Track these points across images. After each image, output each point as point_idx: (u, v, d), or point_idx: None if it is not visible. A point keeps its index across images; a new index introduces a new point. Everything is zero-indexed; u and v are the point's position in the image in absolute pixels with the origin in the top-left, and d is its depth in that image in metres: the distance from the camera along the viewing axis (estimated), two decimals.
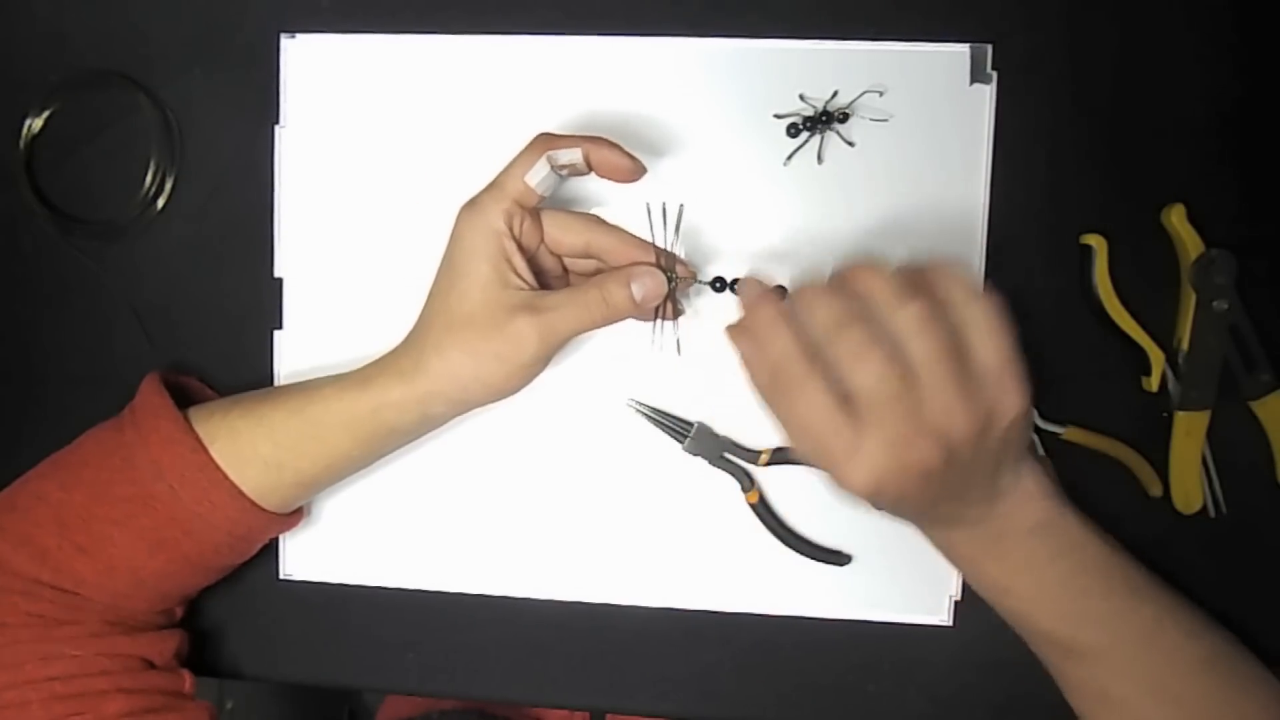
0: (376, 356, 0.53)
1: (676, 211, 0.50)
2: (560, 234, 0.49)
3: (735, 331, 0.45)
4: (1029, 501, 0.46)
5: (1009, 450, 0.44)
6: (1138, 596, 0.48)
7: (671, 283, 0.49)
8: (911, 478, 0.41)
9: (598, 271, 0.51)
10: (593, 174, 0.48)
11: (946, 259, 0.43)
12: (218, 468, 0.47)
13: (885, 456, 0.40)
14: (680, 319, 0.52)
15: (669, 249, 0.50)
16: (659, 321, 0.50)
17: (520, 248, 0.48)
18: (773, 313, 0.43)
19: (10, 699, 0.45)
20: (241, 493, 0.48)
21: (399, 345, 0.49)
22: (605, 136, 0.48)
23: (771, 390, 0.43)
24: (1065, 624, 0.47)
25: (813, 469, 0.53)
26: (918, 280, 0.42)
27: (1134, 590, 0.48)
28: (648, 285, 0.48)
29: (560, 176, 0.48)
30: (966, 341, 0.41)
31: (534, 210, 0.49)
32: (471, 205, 0.48)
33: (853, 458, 0.41)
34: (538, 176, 0.47)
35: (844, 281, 0.42)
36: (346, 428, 0.48)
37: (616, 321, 0.48)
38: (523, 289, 0.47)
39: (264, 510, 0.49)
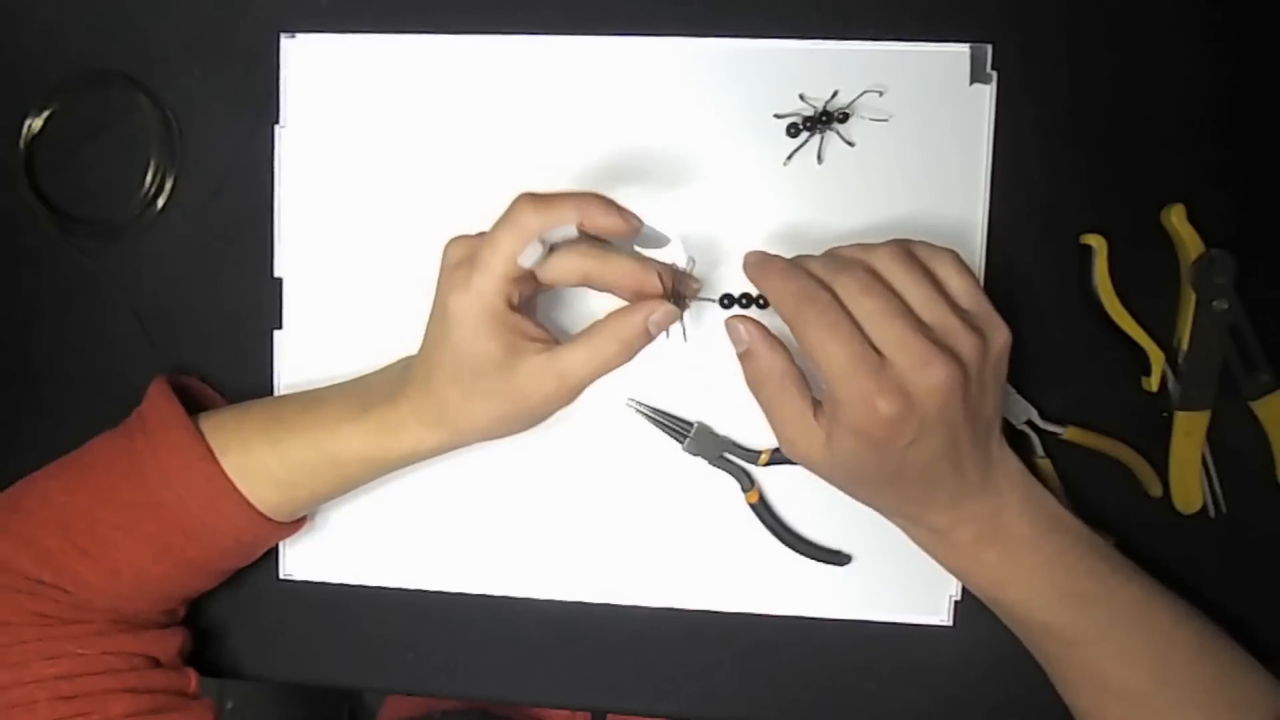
0: (377, 358, 0.53)
1: (688, 262, 0.49)
2: (556, 276, 0.47)
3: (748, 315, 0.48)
4: (1014, 479, 0.48)
5: (999, 392, 0.47)
6: (1122, 574, 0.48)
7: (683, 305, 0.48)
8: (935, 398, 0.43)
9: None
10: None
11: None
12: (227, 478, 0.48)
13: (910, 376, 0.43)
14: (685, 310, 0.51)
15: (672, 264, 0.48)
16: None
17: (521, 310, 0.47)
18: (784, 261, 0.47)
19: (16, 698, 0.45)
20: (249, 504, 0.48)
21: (415, 388, 0.48)
22: (594, 193, 0.46)
23: (798, 327, 0.45)
24: (1062, 610, 0.48)
25: (793, 458, 0.53)
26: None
27: (1117, 568, 0.49)
28: (660, 321, 0.47)
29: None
30: (943, 283, 0.45)
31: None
32: (464, 290, 0.45)
33: (880, 384, 0.43)
34: (531, 258, 0.45)
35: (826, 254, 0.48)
36: (367, 464, 0.49)
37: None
38: (537, 351, 0.46)
39: (271, 520, 0.50)
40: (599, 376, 0.47)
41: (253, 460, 0.48)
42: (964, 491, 0.47)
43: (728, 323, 0.49)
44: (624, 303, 0.48)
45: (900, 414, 0.43)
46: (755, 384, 0.48)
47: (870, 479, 0.48)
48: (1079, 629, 0.48)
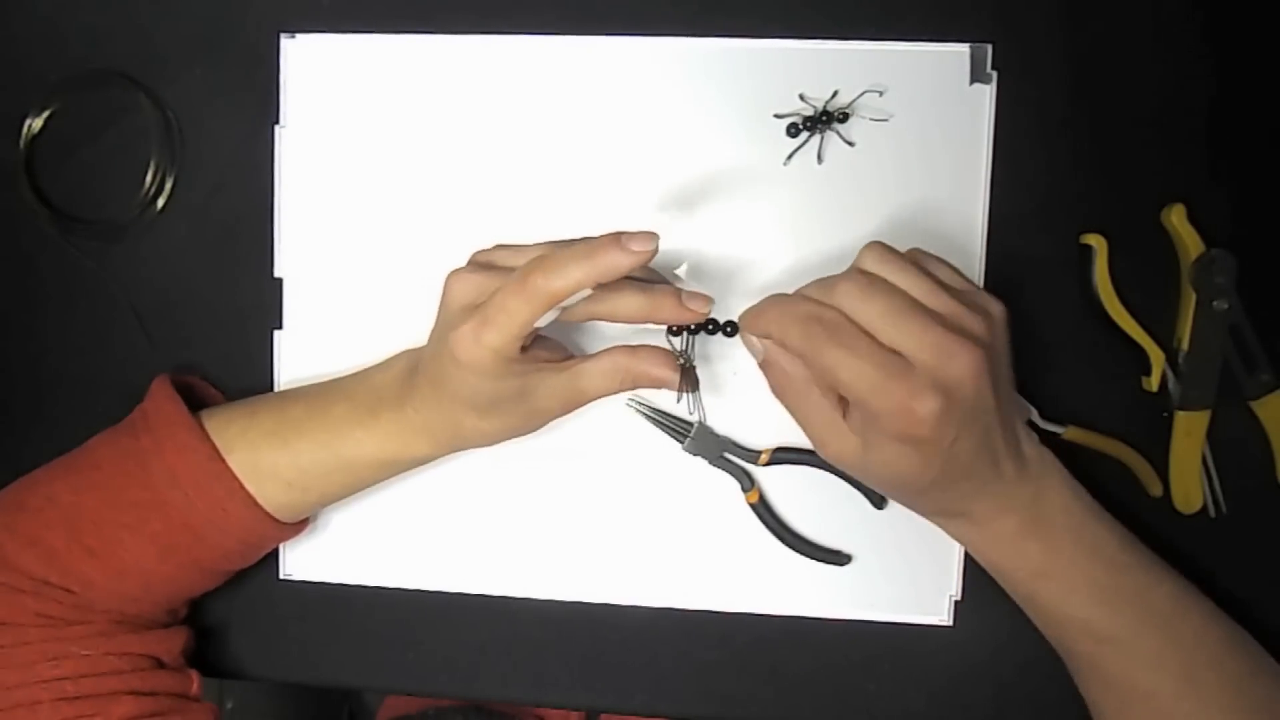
0: (377, 358, 0.53)
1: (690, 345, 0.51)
2: (566, 319, 0.46)
3: (756, 332, 0.47)
4: (1048, 464, 0.48)
5: (1011, 370, 0.46)
6: (1156, 571, 0.49)
7: (694, 385, 0.49)
8: (968, 386, 0.42)
9: None
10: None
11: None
12: (234, 478, 0.48)
13: (940, 371, 0.41)
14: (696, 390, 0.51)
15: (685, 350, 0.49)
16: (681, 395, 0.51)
17: (533, 343, 0.46)
18: (775, 295, 0.46)
19: (20, 698, 0.45)
20: (256, 503, 0.48)
21: (426, 404, 0.47)
22: (605, 238, 0.42)
23: (812, 353, 0.43)
24: (1099, 605, 0.47)
25: (829, 460, 0.51)
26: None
27: (1150, 564, 0.49)
28: (668, 383, 0.48)
29: None
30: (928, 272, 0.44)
31: None
32: (474, 344, 0.43)
33: (913, 386, 0.41)
34: (544, 320, 0.44)
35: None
36: (380, 467, 0.50)
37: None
38: (554, 370, 0.47)
39: (276, 520, 0.50)
40: (609, 395, 0.49)
41: (261, 461, 0.48)
42: (1001, 480, 0.46)
43: (743, 335, 0.48)
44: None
45: (942, 410, 0.41)
46: (778, 392, 0.47)
47: (912, 483, 0.46)
48: (1113, 627, 0.47)
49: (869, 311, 0.42)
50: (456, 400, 0.46)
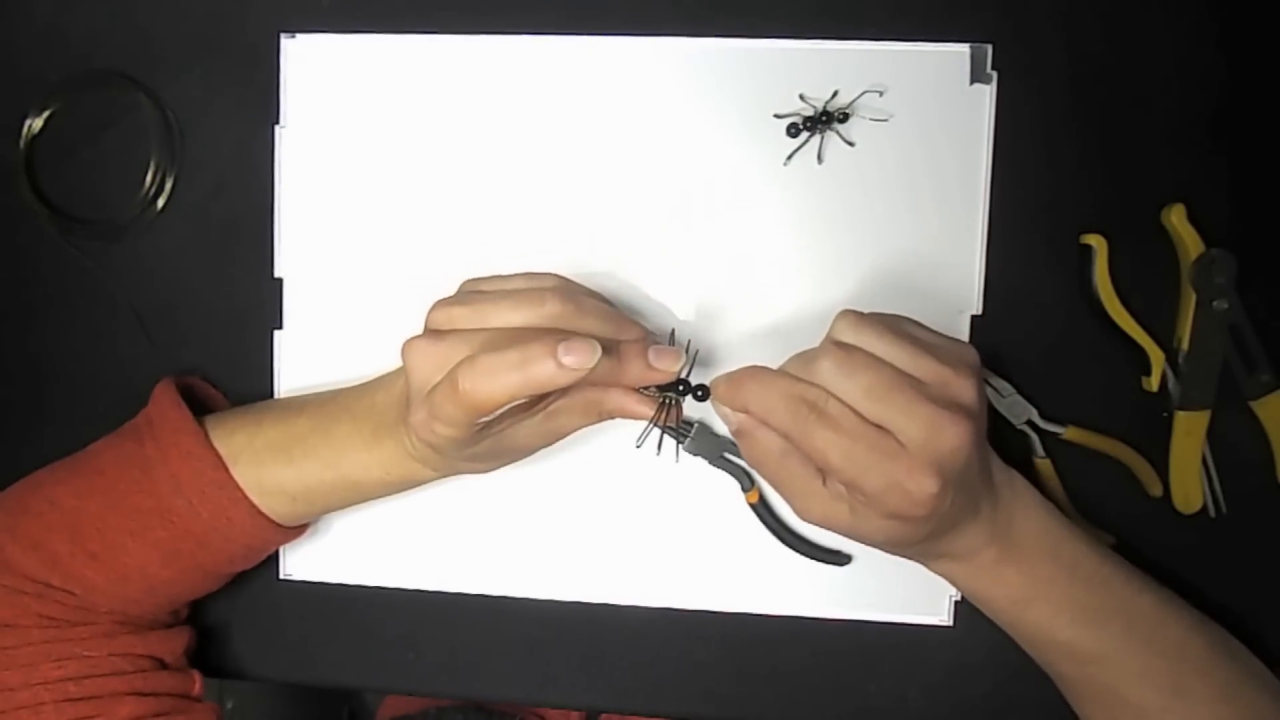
0: (377, 358, 0.53)
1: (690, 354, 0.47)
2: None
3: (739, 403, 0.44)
4: (1028, 501, 0.48)
5: (986, 421, 0.45)
6: (1135, 583, 0.48)
7: (680, 432, 0.48)
8: (959, 458, 0.41)
9: None
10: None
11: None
12: (238, 487, 0.48)
13: (930, 447, 0.40)
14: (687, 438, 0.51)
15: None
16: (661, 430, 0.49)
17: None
18: (753, 369, 0.43)
19: (24, 699, 0.45)
20: (260, 511, 0.48)
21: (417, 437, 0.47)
22: (541, 343, 0.40)
23: (798, 435, 0.42)
24: (1083, 626, 0.47)
25: (812, 524, 0.48)
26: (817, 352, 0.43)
27: (1129, 577, 0.48)
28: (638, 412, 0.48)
29: None
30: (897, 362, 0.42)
31: None
32: (429, 433, 0.43)
33: (909, 466, 0.40)
34: (489, 418, 0.43)
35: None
36: (384, 486, 0.50)
37: None
38: (529, 415, 0.46)
39: (280, 526, 0.50)
40: (587, 426, 0.49)
41: (265, 474, 0.48)
42: (979, 518, 0.46)
43: (714, 404, 0.45)
44: None
45: (941, 488, 0.41)
46: (754, 462, 0.46)
47: (899, 546, 0.46)
48: (1099, 645, 0.47)
49: (853, 388, 0.41)
50: (440, 449, 0.46)
